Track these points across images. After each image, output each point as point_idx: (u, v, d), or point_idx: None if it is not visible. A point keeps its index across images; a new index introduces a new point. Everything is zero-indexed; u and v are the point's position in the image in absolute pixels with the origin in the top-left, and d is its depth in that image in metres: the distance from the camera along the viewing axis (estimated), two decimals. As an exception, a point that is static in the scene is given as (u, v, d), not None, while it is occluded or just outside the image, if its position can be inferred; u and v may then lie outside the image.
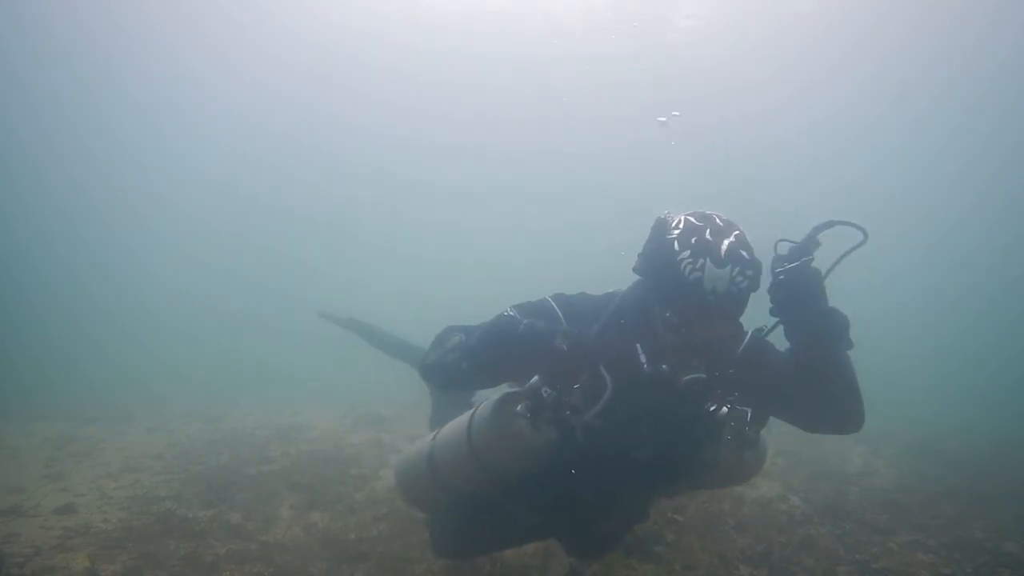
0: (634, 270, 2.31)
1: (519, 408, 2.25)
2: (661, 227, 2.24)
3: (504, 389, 2.49)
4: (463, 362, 2.23)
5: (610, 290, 2.57)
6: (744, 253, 2.13)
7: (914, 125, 22.32)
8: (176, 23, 20.06)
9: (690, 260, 2.09)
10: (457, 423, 2.64)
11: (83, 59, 20.80)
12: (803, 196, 26.16)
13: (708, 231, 2.14)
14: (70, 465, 5.72)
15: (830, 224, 2.18)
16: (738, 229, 2.20)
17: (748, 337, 2.36)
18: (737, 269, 2.10)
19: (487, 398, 2.72)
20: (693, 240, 2.12)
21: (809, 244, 2.18)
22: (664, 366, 2.16)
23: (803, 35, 18.81)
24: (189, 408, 9.21)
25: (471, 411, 2.60)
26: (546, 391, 2.21)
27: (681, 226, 2.19)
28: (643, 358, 2.21)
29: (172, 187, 29.27)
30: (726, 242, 2.12)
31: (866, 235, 2.16)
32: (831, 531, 4.05)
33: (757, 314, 2.25)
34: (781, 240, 2.24)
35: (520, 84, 23.45)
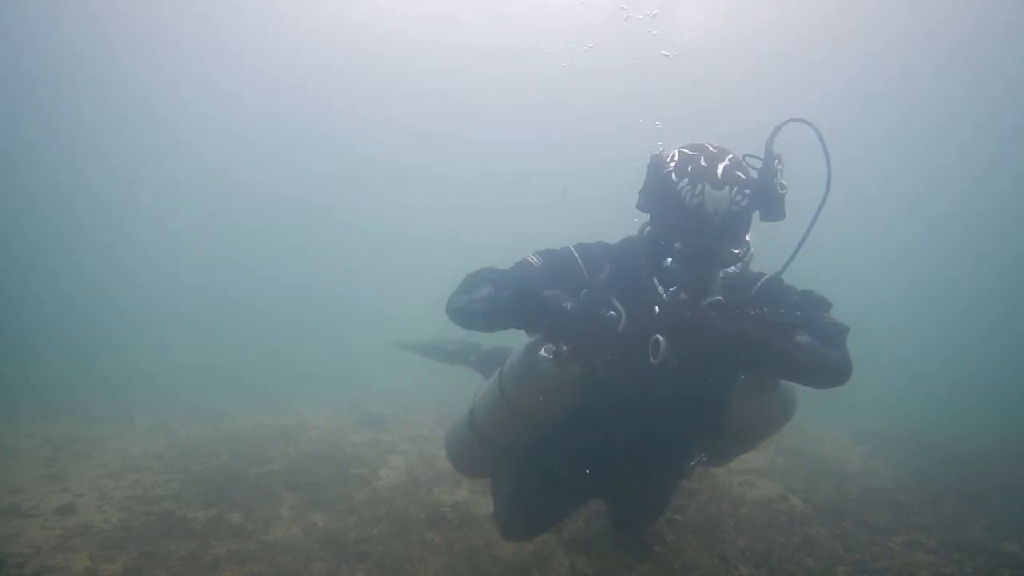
0: (637, 207, 2.38)
1: (543, 350, 2.32)
2: (657, 162, 2.31)
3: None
4: (488, 314, 2.33)
5: (627, 236, 2.62)
6: (740, 174, 2.20)
7: (903, 120, 22.19)
8: (184, 15, 20.09)
9: (689, 187, 2.17)
10: (492, 377, 2.70)
11: (91, 54, 20.80)
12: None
13: (702, 158, 2.21)
14: (70, 465, 5.71)
15: (778, 128, 2.25)
16: (732, 153, 2.27)
17: (764, 279, 2.42)
18: (735, 189, 2.16)
19: None
20: (689, 168, 2.20)
21: (771, 161, 2.21)
22: (683, 294, 2.22)
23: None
24: (190, 407, 9.20)
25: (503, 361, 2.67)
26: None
27: (676, 158, 2.27)
28: (661, 289, 2.29)
29: (181, 180, 29.15)
30: (721, 166, 2.19)
31: (819, 133, 2.24)
32: (831, 531, 4.05)
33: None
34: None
35: (540, 76, 23.27)
